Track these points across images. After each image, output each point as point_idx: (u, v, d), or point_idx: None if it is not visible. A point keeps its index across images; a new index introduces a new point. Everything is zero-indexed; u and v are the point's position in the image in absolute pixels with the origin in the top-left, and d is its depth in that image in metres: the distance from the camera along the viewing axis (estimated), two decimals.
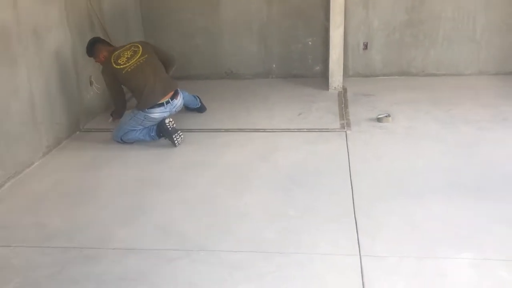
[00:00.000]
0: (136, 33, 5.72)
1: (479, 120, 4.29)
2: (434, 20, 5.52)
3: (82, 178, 3.63)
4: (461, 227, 2.74)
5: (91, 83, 4.70)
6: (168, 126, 4.03)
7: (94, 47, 4.30)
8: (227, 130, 4.41)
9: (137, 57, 4.15)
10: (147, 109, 4.06)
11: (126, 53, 4.18)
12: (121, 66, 4.11)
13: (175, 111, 4.27)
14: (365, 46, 5.73)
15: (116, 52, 4.20)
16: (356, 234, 2.72)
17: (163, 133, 4.07)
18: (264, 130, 4.37)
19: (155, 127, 4.11)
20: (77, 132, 4.51)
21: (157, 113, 4.09)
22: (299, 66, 5.94)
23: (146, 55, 4.19)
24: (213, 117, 4.76)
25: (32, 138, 3.84)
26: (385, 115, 4.42)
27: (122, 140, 4.15)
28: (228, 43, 5.94)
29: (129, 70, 4.09)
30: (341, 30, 5.18)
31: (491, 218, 2.81)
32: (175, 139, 4.03)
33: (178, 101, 4.25)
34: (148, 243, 2.76)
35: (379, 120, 4.40)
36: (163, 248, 2.69)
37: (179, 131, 4.09)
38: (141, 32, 5.90)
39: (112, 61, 4.14)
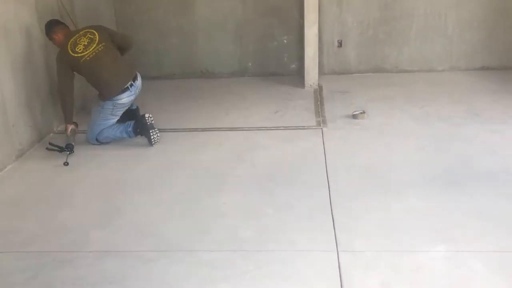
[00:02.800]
0: None
1: (452, 116, 4.38)
2: (407, 17, 5.61)
3: (57, 180, 3.58)
4: (436, 221, 2.79)
5: None
6: (148, 121, 3.99)
7: (52, 29, 4.07)
8: (203, 130, 4.40)
9: (94, 46, 3.99)
10: (114, 96, 4.02)
11: (82, 40, 4.00)
12: (79, 55, 3.94)
13: (139, 92, 4.23)
14: (340, 44, 5.78)
15: (73, 39, 4.00)
16: (333, 230, 2.75)
17: (140, 128, 4.02)
18: (241, 129, 4.37)
19: (132, 123, 4.06)
20: (51, 134, 4.44)
21: (125, 98, 4.06)
22: (275, 64, 5.95)
23: (104, 43, 4.04)
24: (189, 116, 4.74)
25: (4, 141, 3.76)
26: (360, 111, 4.47)
27: (98, 141, 4.09)
28: (204, 42, 5.92)
29: (87, 58, 3.95)
30: (315, 28, 5.22)
31: (464, 211, 2.88)
32: (152, 136, 3.99)
33: (139, 81, 4.22)
34: (125, 245, 2.73)
35: (354, 116, 4.45)
36: (140, 250, 2.67)
37: (156, 129, 4.05)
38: None
39: (69, 48, 3.96)
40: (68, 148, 3.87)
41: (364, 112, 4.46)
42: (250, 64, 5.98)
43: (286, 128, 4.34)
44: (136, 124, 4.04)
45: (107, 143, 4.12)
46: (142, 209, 3.10)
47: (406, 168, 3.45)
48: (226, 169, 3.59)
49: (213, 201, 3.15)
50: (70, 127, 4.07)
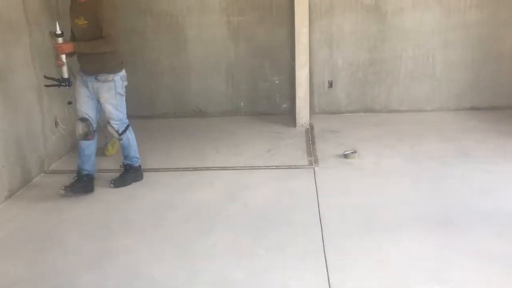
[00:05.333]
0: None
1: (442, 155, 4.42)
2: (396, 58, 5.74)
3: (47, 221, 3.52)
4: (429, 262, 2.77)
5: (56, 124, 4.63)
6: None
7: None
8: (195, 169, 4.39)
9: None
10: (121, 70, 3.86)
11: None
12: None
13: None
14: (330, 84, 5.88)
15: None
16: (326, 272, 2.72)
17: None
18: (232, 168, 4.37)
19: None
20: (42, 174, 4.40)
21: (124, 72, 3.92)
22: (267, 104, 6.02)
23: None
24: (181, 155, 4.74)
25: None
26: (351, 151, 4.50)
27: (124, 132, 3.94)
28: (196, 81, 5.99)
29: None
30: (306, 69, 5.32)
31: (459, 252, 2.86)
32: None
33: None
34: None
35: (345, 156, 4.47)
36: None
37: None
38: None
39: None
40: (66, 82, 3.77)
41: (355, 152, 4.49)
42: (242, 103, 6.05)
43: (278, 167, 4.35)
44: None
45: (124, 142, 4.00)
46: (132, 251, 3.05)
47: (399, 208, 3.45)
48: (218, 209, 3.57)
49: (204, 242, 3.11)
50: (70, 48, 3.66)
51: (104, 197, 3.88)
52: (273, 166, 4.38)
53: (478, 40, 5.62)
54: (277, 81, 5.93)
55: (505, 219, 3.22)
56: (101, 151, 4.73)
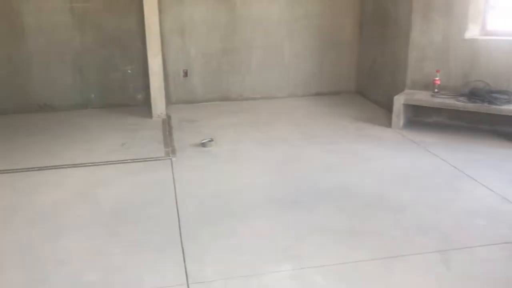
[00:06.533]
0: None
1: (293, 139, 4.68)
2: (247, 48, 5.91)
3: None
4: (281, 241, 2.91)
5: None
6: None
7: None
8: (40, 168, 4.04)
9: None
10: None
11: None
12: None
13: None
14: (185, 74, 5.85)
15: None
16: (183, 262, 2.70)
17: None
18: (84, 165, 4.12)
19: None
20: None
21: None
22: (120, 95, 5.79)
23: None
24: (23, 155, 4.34)
25: None
26: (208, 139, 4.54)
27: None
28: (39, 74, 5.52)
29: None
30: (159, 58, 5.21)
31: (306, 228, 3.05)
32: None
33: None
34: None
35: (203, 145, 4.50)
36: None
37: None
38: None
39: None
40: None
41: (212, 140, 4.54)
42: (93, 95, 5.73)
43: (133, 160, 4.21)
44: None
45: None
46: None
47: (253, 192, 3.57)
48: (67, 210, 3.34)
49: (51, 246, 2.89)
50: None
51: None
52: (128, 160, 4.22)
53: (320, 29, 6.04)
54: (129, 71, 5.74)
55: (345, 194, 3.51)
56: None
